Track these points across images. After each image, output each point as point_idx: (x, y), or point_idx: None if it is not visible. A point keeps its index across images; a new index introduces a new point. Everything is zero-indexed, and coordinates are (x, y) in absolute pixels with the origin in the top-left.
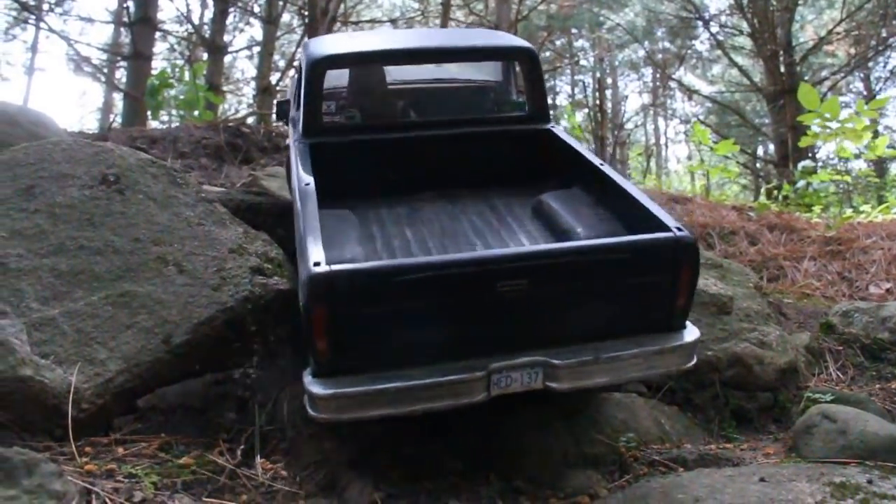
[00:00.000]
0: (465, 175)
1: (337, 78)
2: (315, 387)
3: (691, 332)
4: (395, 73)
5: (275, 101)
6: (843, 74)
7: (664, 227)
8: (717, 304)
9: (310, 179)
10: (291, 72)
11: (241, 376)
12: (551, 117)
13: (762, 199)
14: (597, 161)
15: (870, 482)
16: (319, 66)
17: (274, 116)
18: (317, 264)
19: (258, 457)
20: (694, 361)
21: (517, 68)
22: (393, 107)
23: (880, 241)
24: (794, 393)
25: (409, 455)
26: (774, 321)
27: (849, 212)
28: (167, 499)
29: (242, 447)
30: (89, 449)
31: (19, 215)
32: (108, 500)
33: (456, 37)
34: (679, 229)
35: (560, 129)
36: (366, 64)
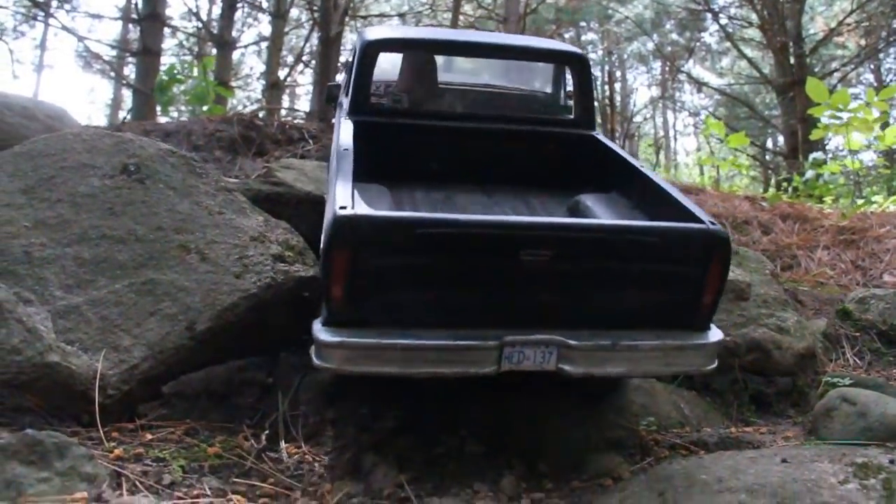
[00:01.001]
0: (504, 172)
1: (390, 71)
2: (323, 334)
3: (715, 334)
4: (448, 76)
5: (327, 85)
6: (853, 66)
7: (698, 221)
8: (734, 290)
9: (349, 145)
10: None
11: (264, 362)
12: (597, 125)
13: (772, 190)
14: (638, 164)
15: (892, 462)
16: (372, 47)
17: (324, 99)
18: (342, 207)
19: (282, 441)
20: (715, 364)
21: (567, 76)
22: (440, 98)
23: (894, 230)
24: (812, 378)
25: (431, 440)
26: (791, 307)
27: (860, 202)
28: (196, 482)
29: (267, 432)
30: (116, 434)
31: (41, 205)
32: (137, 482)
33: (510, 38)
34: (712, 223)
35: (603, 136)
36: (418, 51)
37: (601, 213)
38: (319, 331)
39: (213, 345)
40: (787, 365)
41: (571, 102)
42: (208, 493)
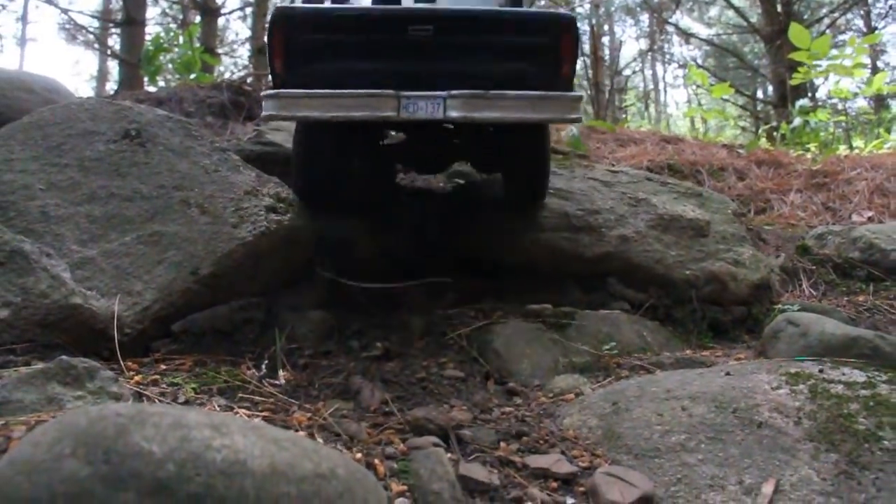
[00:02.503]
0: None
1: None
2: (268, 92)
3: (571, 94)
4: None
5: None
6: (841, 12)
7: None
8: (694, 227)
9: None
10: None
11: (262, 303)
12: None
13: (762, 139)
14: None
15: (821, 371)
16: None
17: None
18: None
19: (281, 371)
20: (579, 116)
21: None
22: None
23: (864, 172)
24: (767, 307)
25: (415, 366)
26: (750, 243)
27: (842, 148)
28: (206, 400)
29: (266, 363)
30: (134, 366)
31: (52, 169)
32: (156, 399)
33: None
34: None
35: None
36: None
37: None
38: (265, 92)
39: (216, 287)
40: (743, 295)
41: None
42: (217, 409)
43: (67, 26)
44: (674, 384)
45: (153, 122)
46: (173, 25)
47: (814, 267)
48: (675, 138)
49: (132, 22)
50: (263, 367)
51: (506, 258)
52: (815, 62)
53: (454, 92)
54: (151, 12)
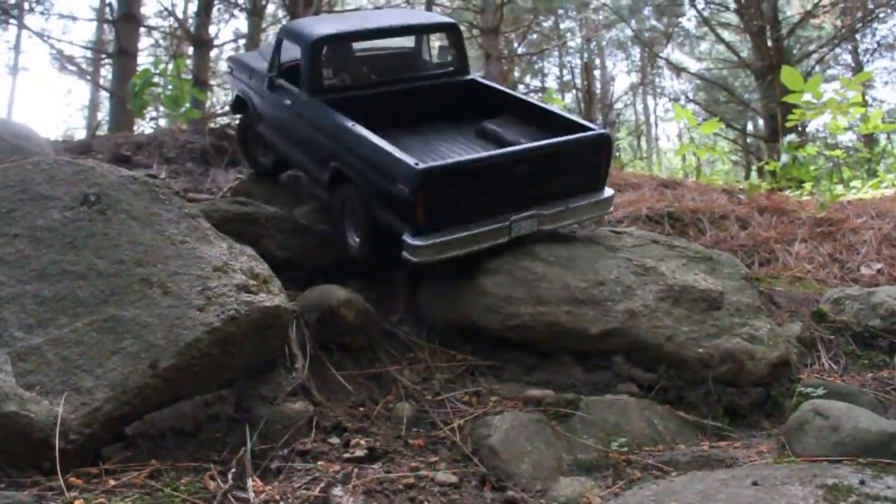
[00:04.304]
0: (422, 115)
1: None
2: (415, 241)
3: (608, 191)
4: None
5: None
6: (830, 48)
7: (589, 128)
8: (706, 299)
9: (349, 120)
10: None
11: (231, 395)
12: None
13: (753, 178)
14: (514, 92)
15: (862, 483)
16: (320, 42)
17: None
18: (416, 164)
19: (249, 479)
20: (612, 208)
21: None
22: (362, 68)
23: (870, 220)
24: (786, 386)
25: (402, 468)
26: (765, 313)
27: (839, 188)
28: None
29: (234, 470)
30: (78, 481)
31: (0, 241)
32: None
33: (405, 16)
34: (602, 127)
35: (479, 77)
36: (352, 41)
37: (505, 132)
38: (412, 239)
39: (178, 381)
40: (761, 375)
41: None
42: None
43: (59, 57)
44: (695, 497)
45: (116, 184)
46: (165, 57)
47: (832, 336)
48: (672, 182)
49: (124, 53)
50: (230, 475)
51: (505, 334)
52: (808, 101)
53: (545, 212)
54: (144, 42)
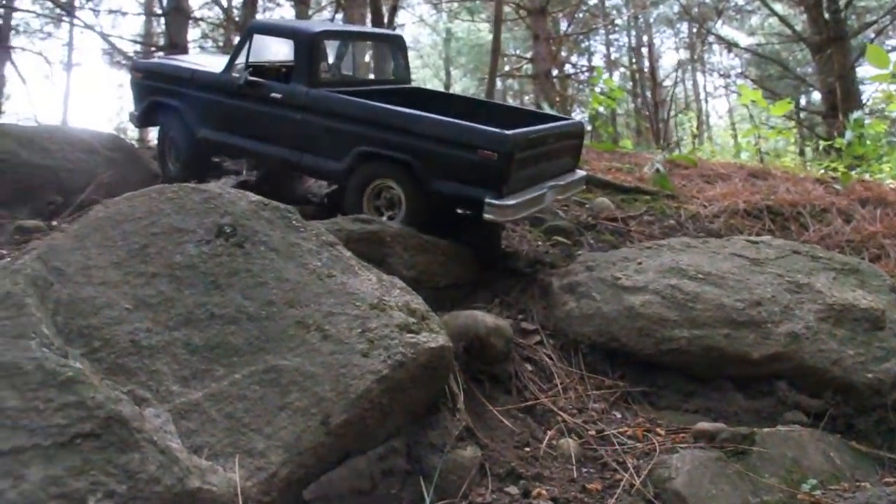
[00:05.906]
0: None
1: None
2: (500, 202)
3: (581, 171)
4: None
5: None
6: (891, 17)
7: (563, 118)
8: (869, 318)
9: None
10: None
11: (401, 446)
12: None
13: (825, 161)
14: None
15: None
16: (318, 37)
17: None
18: (503, 131)
19: None
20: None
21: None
22: (338, 69)
23: None
24: None
25: None
26: None
27: None
28: None
29: None
30: None
31: (138, 281)
32: None
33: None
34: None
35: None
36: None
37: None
38: (496, 199)
39: (348, 436)
40: None
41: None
42: None
43: (109, 51)
44: None
45: (248, 212)
46: (213, 48)
47: None
48: (762, 172)
49: (174, 46)
50: None
51: (660, 359)
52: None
53: (561, 183)
54: (192, 34)
